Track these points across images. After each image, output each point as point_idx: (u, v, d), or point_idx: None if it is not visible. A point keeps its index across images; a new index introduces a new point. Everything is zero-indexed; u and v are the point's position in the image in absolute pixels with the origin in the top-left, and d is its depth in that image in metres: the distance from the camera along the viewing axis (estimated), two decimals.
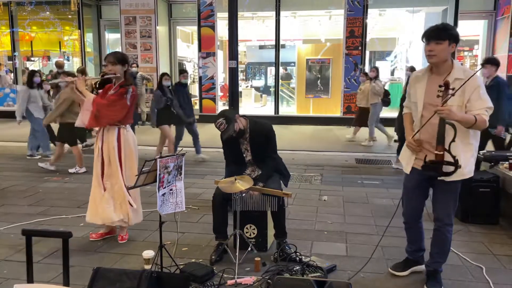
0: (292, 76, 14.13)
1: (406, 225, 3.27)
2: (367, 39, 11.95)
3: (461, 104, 2.76)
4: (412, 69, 8.74)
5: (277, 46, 12.36)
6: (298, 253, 3.48)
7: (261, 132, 3.67)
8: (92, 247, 3.80)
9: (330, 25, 13.49)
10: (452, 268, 3.38)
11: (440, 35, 2.73)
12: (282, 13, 12.28)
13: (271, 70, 13.80)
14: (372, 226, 4.31)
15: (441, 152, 2.74)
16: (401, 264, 3.32)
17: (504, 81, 5.77)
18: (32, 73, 7.55)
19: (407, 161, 3.09)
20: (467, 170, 2.84)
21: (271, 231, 3.71)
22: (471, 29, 12.99)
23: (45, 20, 13.88)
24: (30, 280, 2.40)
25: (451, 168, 2.76)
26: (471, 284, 3.15)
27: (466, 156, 2.82)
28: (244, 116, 3.69)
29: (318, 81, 12.81)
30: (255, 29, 14.43)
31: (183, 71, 7.59)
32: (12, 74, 13.76)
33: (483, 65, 5.76)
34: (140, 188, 3.58)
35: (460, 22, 11.51)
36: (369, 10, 11.66)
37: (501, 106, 5.38)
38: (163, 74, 7.13)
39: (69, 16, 13.74)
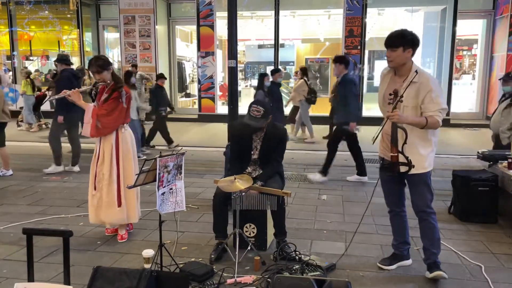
0: (291, 76, 14.13)
1: (390, 213, 3.43)
2: (366, 39, 11.95)
3: (416, 105, 2.97)
4: None
5: (276, 46, 12.36)
6: (297, 252, 3.49)
7: (276, 134, 3.69)
8: (92, 246, 3.81)
9: (329, 24, 13.48)
10: (451, 266, 3.40)
11: (394, 43, 2.95)
12: (281, 13, 12.27)
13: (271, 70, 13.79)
14: (371, 225, 4.32)
15: (395, 154, 2.97)
16: (388, 259, 3.43)
17: (350, 79, 6.03)
18: (130, 74, 7.53)
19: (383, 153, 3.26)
20: (427, 163, 3.07)
21: (270, 230, 3.72)
22: (470, 28, 13.00)
23: (44, 20, 13.86)
24: (30, 279, 2.41)
25: (406, 168, 2.99)
26: (470, 282, 3.16)
27: (426, 151, 3.05)
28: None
29: (317, 81, 12.82)
30: (254, 28, 14.43)
31: (277, 70, 7.08)
32: (11, 73, 13.74)
33: (335, 62, 6.01)
34: (140, 187, 3.59)
35: (459, 21, 11.52)
36: (368, 10, 11.67)
37: (349, 102, 5.75)
38: (265, 74, 6.69)
39: (68, 16, 13.72)
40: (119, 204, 3.83)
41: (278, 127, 3.75)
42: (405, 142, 2.93)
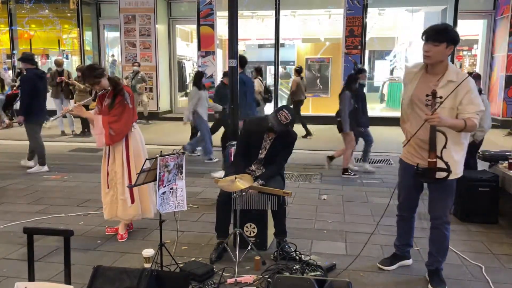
0: (291, 75, 14.12)
1: (398, 217, 3.34)
2: (367, 38, 11.95)
3: (453, 107, 2.78)
4: None
5: (277, 45, 12.36)
6: (298, 252, 3.49)
7: (287, 137, 3.69)
8: (92, 246, 3.80)
9: (330, 24, 13.48)
10: (452, 267, 3.39)
11: (439, 37, 2.72)
12: (282, 12, 12.27)
13: (271, 69, 13.78)
14: (371, 225, 4.32)
15: (434, 159, 2.78)
16: (388, 259, 3.40)
17: (245, 78, 6.41)
18: (201, 75, 7.37)
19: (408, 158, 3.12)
20: (459, 169, 2.92)
21: (271, 230, 3.71)
22: (470, 28, 13.00)
23: (44, 18, 13.86)
24: (31, 278, 2.41)
25: (444, 174, 2.81)
26: (471, 283, 3.16)
27: (458, 156, 2.89)
28: None
29: (318, 80, 12.81)
30: (254, 28, 14.42)
31: (362, 70, 6.75)
32: (11, 72, 13.73)
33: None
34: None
35: (459, 22, 11.51)
36: (369, 9, 11.66)
37: (243, 100, 5.95)
38: (361, 70, 6.36)
39: (68, 15, 13.72)
40: (132, 201, 3.86)
41: (290, 131, 3.71)
42: (444, 147, 2.74)
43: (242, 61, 6.25)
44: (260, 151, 3.70)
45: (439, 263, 3.12)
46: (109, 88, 3.79)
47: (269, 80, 14.81)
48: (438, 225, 3.06)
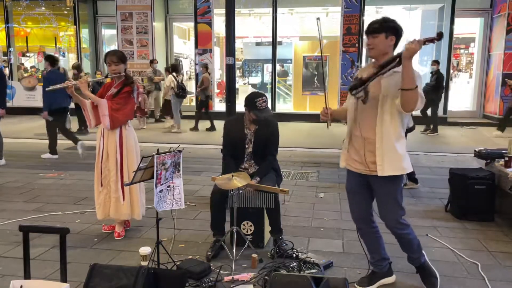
0: (289, 73, 14.12)
1: (358, 230, 3.07)
2: (364, 37, 11.94)
3: (396, 96, 2.60)
4: (436, 62, 9.92)
5: (274, 43, 12.35)
6: (294, 250, 3.49)
7: (268, 126, 3.71)
8: (89, 244, 3.79)
9: (327, 22, 13.47)
10: (448, 264, 3.40)
11: (376, 29, 2.68)
12: (279, 10, 12.26)
13: (268, 67, 13.77)
14: None
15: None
16: (366, 278, 3.05)
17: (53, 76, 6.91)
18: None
19: (343, 158, 2.99)
20: (405, 165, 2.73)
21: (268, 228, 3.71)
22: (467, 26, 13.03)
23: (40, 16, 13.80)
24: (27, 276, 2.40)
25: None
26: (467, 280, 3.17)
27: (400, 145, 2.71)
28: None
29: (315, 78, 12.82)
30: (252, 25, 14.40)
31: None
32: (7, 70, 13.68)
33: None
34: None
35: (456, 20, 11.54)
36: (366, 7, 11.68)
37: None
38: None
39: (65, 12, 13.66)
40: (123, 199, 3.85)
41: (269, 120, 3.75)
42: None
43: (52, 60, 7.30)
44: (247, 146, 3.72)
45: (418, 260, 2.99)
46: (122, 74, 3.81)
47: (266, 78, 14.82)
48: (391, 228, 2.88)
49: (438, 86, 9.76)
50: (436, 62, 10.04)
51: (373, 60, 2.81)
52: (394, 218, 2.84)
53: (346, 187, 3.04)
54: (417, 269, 3.08)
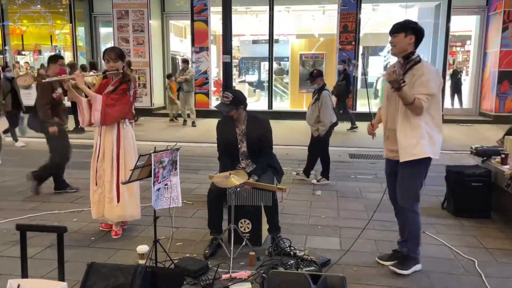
0: (286, 71, 14.12)
1: (395, 210, 3.41)
2: (361, 34, 11.96)
3: (409, 88, 2.93)
4: (343, 62, 10.50)
5: (271, 41, 12.34)
6: (292, 248, 3.50)
7: (257, 124, 3.71)
8: (86, 242, 3.79)
9: (324, 20, 13.48)
10: (445, 261, 3.42)
11: (397, 29, 3.02)
12: (276, 8, 12.24)
13: (265, 65, 13.78)
14: (365, 220, 4.33)
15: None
16: (387, 255, 3.43)
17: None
18: None
19: (384, 146, 3.31)
20: (415, 151, 3.01)
21: (265, 226, 3.72)
22: (463, 24, 13.05)
23: (36, 14, 13.74)
24: (24, 275, 2.39)
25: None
26: (463, 277, 3.19)
27: (413, 139, 3.00)
28: (246, 111, 3.74)
29: None
30: (248, 23, 14.39)
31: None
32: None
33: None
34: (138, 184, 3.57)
35: (452, 18, 11.56)
36: (363, 5, 11.67)
37: None
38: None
39: (61, 10, 13.60)
40: (118, 201, 3.82)
41: (258, 117, 3.77)
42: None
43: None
44: (239, 145, 3.73)
45: (407, 250, 3.23)
46: (120, 72, 3.79)
47: (263, 76, 14.81)
48: (401, 208, 3.22)
49: (348, 85, 10.27)
50: (343, 62, 10.47)
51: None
52: (404, 199, 3.15)
53: (385, 171, 3.42)
54: (402, 256, 3.27)
